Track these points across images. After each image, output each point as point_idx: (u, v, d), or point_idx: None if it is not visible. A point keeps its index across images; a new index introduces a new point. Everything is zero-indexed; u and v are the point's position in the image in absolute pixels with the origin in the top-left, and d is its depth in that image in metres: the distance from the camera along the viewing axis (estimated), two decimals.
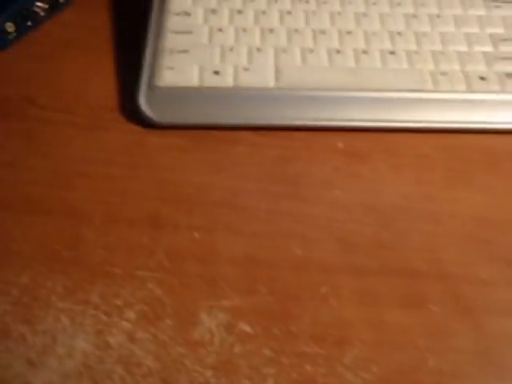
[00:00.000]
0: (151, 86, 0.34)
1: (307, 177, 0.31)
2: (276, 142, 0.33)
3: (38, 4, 0.39)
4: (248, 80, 0.34)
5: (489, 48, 0.37)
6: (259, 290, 0.26)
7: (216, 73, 0.35)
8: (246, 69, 0.35)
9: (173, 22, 0.37)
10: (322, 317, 0.25)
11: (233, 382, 0.23)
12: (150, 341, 0.24)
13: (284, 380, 0.23)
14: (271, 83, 0.34)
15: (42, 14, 0.40)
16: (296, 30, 0.37)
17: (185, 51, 0.36)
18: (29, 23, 0.39)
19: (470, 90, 0.35)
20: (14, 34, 0.38)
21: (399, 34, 0.37)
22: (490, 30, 0.38)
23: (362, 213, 0.29)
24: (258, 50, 0.36)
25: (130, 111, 0.34)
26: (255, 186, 0.31)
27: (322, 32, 0.37)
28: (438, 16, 0.38)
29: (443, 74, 0.35)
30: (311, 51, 0.36)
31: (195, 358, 0.24)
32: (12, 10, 0.38)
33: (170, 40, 0.36)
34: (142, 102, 0.33)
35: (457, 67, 0.36)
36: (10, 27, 0.38)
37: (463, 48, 0.37)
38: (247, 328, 0.25)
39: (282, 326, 0.25)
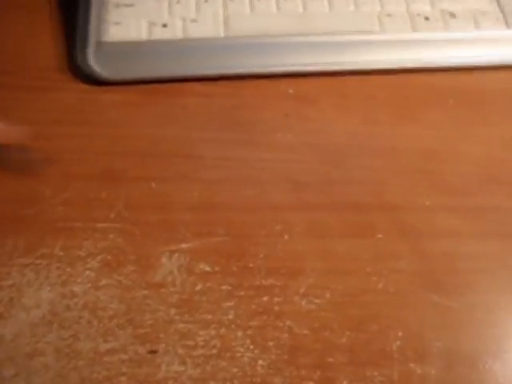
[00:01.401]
0: (99, 43, 0.33)
1: (259, 123, 0.32)
2: (227, 91, 0.33)
3: None
4: (197, 31, 0.34)
5: None
6: (217, 231, 0.27)
7: (164, 26, 0.34)
8: (194, 20, 0.35)
9: None
10: (276, 252, 0.26)
11: (195, 317, 0.24)
12: (115, 286, 0.25)
13: (243, 311, 0.25)
14: (220, 33, 0.34)
15: None
16: None
17: (131, 5, 0.35)
18: None
19: (414, 30, 0.36)
20: None
21: None
22: None
23: (311, 153, 0.30)
24: (206, 0, 0.36)
25: (80, 70, 0.33)
26: (208, 135, 0.31)
27: None
28: None
29: (389, 15, 0.36)
30: None
31: (158, 298, 0.25)
32: None
33: None
34: (91, 59, 0.33)
35: (402, 8, 0.36)
36: None
37: None
38: (206, 267, 0.26)
39: (239, 263, 0.26)
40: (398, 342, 0.24)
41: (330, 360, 0.24)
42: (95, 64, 0.33)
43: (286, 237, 0.27)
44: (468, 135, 0.32)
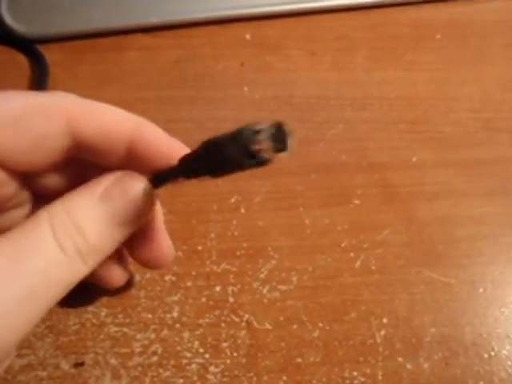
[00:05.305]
0: None
1: (210, 77, 0.25)
2: (174, 42, 0.26)
3: None
4: None
5: None
6: None
7: None
8: None
9: None
10: (231, 230, 0.21)
11: (131, 317, 0.19)
12: None
13: (191, 306, 0.19)
14: None
15: None
16: None
17: None
18: None
19: None
20: None
21: None
22: None
23: (274, 108, 0.24)
24: None
25: None
26: (151, 95, 0.25)
27: None
28: None
29: None
30: None
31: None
32: None
33: None
34: (4, 12, 0.26)
35: None
36: None
37: None
38: None
39: (185, 247, 0.20)
40: (383, 332, 0.19)
41: (299, 361, 0.18)
42: (10, 18, 0.26)
43: (242, 210, 0.21)
44: (459, 76, 0.26)
